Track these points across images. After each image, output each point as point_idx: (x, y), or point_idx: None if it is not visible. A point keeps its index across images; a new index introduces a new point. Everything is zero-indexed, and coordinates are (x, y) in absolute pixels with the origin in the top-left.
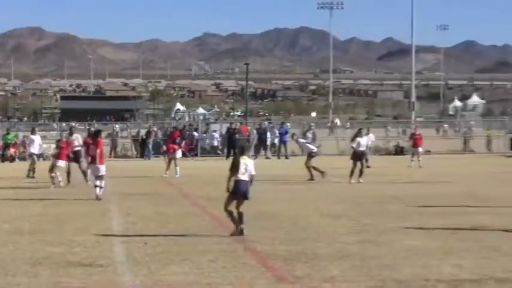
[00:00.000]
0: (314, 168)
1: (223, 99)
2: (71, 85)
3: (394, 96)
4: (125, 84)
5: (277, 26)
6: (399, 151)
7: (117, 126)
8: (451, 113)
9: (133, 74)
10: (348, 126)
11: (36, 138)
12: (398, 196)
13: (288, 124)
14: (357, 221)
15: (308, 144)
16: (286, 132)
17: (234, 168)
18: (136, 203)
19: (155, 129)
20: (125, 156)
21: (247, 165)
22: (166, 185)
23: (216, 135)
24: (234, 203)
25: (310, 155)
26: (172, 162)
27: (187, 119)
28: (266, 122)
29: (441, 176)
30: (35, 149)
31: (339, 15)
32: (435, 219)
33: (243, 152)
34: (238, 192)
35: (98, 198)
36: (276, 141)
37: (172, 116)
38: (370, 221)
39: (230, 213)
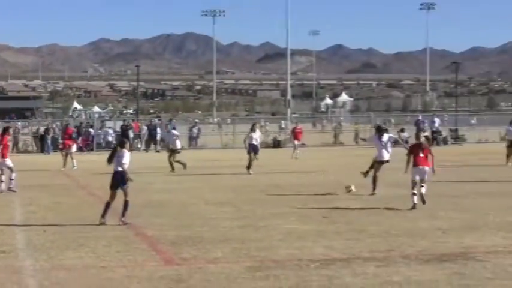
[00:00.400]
0: (177, 161)
1: (116, 98)
2: None
3: (272, 95)
4: (26, 85)
5: (165, 31)
6: (277, 144)
7: (19, 123)
8: (322, 109)
9: (34, 75)
10: (228, 122)
11: None
12: (277, 185)
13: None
14: (238, 208)
15: (177, 141)
16: (174, 128)
17: (110, 159)
18: (37, 194)
19: (53, 126)
20: (26, 151)
21: (124, 157)
22: (64, 177)
23: (110, 131)
24: (116, 193)
25: (174, 151)
26: (69, 156)
27: (84, 117)
28: (156, 119)
29: (314, 166)
30: None
31: (222, 22)
32: (309, 205)
33: (122, 145)
34: (114, 182)
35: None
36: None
37: (70, 114)
38: (250, 207)
39: (107, 205)
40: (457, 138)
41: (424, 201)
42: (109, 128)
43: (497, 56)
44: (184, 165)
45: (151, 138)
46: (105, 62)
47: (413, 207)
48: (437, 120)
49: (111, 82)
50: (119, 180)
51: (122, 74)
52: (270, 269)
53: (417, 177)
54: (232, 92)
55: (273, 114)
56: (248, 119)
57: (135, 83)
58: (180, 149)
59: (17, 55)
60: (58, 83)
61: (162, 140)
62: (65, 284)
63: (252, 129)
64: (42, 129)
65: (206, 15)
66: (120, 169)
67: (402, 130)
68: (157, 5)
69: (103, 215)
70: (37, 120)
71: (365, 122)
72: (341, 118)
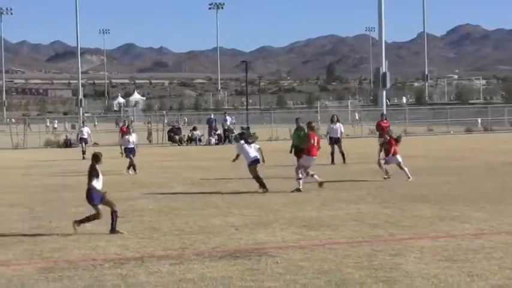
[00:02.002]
0: None
1: None
2: None
3: (63, 94)
4: None
5: None
6: (68, 144)
7: None
8: (115, 108)
9: None
10: (13, 122)
11: None
12: (70, 185)
13: None
14: (30, 208)
15: None
16: None
17: None
18: None
19: None
20: None
21: None
22: None
23: None
24: None
25: None
26: None
27: None
28: None
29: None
30: None
31: (9, 19)
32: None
33: None
34: None
35: None
36: None
37: None
38: (42, 208)
39: None
40: (250, 136)
41: None
42: None
43: (285, 55)
44: None
45: None
46: None
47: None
48: (229, 119)
49: None
50: None
51: None
52: (63, 270)
53: None
54: (23, 92)
55: (65, 113)
56: (39, 118)
57: None
58: None
59: None
60: None
61: None
62: None
63: (128, 132)
64: None
65: None
66: None
67: (194, 129)
68: None
69: None
70: None
71: (158, 121)
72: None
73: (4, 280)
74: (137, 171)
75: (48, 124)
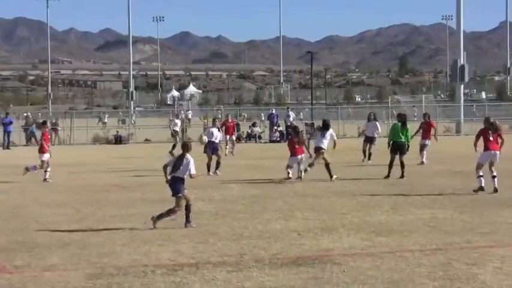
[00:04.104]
0: None
1: None
2: None
3: (113, 86)
4: None
5: None
6: (119, 140)
7: None
8: (169, 102)
9: None
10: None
11: None
12: (119, 184)
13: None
14: (77, 209)
15: None
16: (11, 123)
17: None
18: None
19: None
20: None
21: None
22: None
23: None
24: None
25: None
26: None
27: None
28: None
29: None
30: None
31: (56, 6)
32: (156, 207)
33: None
34: None
35: None
36: None
37: None
38: (90, 209)
39: None
40: (313, 133)
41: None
42: None
43: (354, 46)
44: None
45: None
46: None
47: None
48: (292, 114)
49: None
50: None
51: None
52: (112, 277)
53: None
54: (70, 84)
55: (115, 107)
56: (87, 112)
57: None
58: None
59: None
60: None
61: None
62: None
63: (214, 125)
64: None
65: None
66: None
67: (254, 125)
68: None
69: None
70: None
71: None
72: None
73: (49, 286)
74: (217, 171)
75: (105, 120)
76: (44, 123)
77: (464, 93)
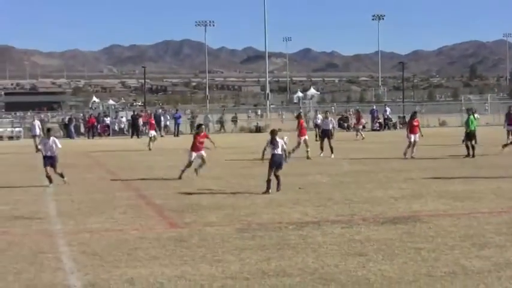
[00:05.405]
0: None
1: (127, 93)
2: (11, 84)
3: (253, 89)
4: (53, 83)
5: (165, 38)
6: (258, 129)
7: (48, 114)
8: (295, 101)
9: (59, 75)
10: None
11: None
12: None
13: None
14: (227, 181)
15: None
16: (180, 117)
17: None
18: (65, 170)
19: (76, 116)
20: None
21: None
22: (86, 157)
23: (123, 119)
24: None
25: None
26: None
27: (101, 109)
28: (160, 110)
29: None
30: None
31: (212, 30)
32: (289, 178)
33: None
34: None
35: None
36: (168, 123)
37: (90, 106)
38: (238, 180)
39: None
40: (404, 124)
41: None
42: (122, 117)
43: (435, 57)
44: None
45: (157, 125)
46: (117, 63)
47: None
48: (388, 109)
49: (123, 80)
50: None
51: (131, 74)
52: (255, 231)
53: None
54: (222, 88)
55: (255, 105)
56: (235, 109)
57: (142, 81)
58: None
59: (45, 58)
60: (79, 81)
61: (165, 126)
62: (88, 243)
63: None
64: (67, 118)
65: (199, 25)
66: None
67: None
68: (159, 16)
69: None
70: (63, 112)
71: (331, 112)
72: (310, 108)
73: (209, 238)
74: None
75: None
76: (199, 126)
77: None
